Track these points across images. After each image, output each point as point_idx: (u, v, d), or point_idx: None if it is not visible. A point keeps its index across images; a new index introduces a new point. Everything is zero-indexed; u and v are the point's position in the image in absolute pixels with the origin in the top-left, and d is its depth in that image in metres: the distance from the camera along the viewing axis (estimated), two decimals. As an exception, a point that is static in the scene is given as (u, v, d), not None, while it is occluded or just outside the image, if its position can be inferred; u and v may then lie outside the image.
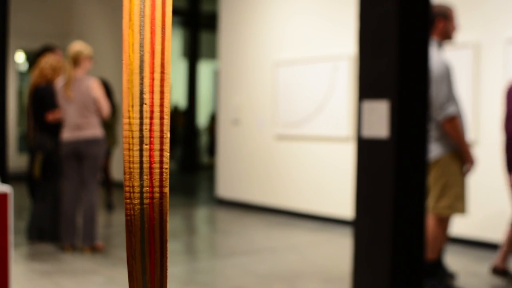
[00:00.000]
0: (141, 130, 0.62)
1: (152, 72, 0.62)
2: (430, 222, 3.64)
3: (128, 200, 0.64)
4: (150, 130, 0.62)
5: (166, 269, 0.68)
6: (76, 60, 4.61)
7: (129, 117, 0.62)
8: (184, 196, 8.38)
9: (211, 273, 4.26)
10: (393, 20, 2.78)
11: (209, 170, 11.67)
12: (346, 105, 6.20)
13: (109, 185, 6.97)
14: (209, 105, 15.66)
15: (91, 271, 4.09)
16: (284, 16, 6.93)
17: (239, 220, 6.54)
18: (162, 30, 0.62)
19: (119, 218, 6.55)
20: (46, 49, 5.24)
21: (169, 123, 0.63)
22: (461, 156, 3.68)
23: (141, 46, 0.62)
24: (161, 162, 0.63)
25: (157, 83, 0.62)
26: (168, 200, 0.65)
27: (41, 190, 5.02)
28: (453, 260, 4.53)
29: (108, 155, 6.72)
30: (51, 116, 4.81)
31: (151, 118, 0.62)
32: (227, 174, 7.64)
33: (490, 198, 5.03)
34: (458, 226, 5.05)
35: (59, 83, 4.71)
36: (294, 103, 6.78)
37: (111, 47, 9.71)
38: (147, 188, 0.63)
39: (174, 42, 15.77)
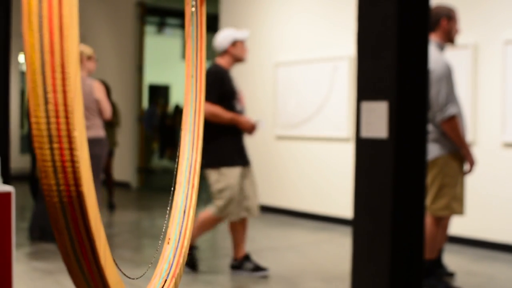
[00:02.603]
0: (48, 129, 0.62)
1: (53, 71, 0.62)
2: (428, 221, 3.66)
3: (48, 198, 0.64)
4: (57, 129, 0.62)
5: (102, 267, 0.68)
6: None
7: (36, 116, 0.62)
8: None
9: (211, 272, 4.29)
10: (392, 21, 2.81)
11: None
12: (346, 106, 6.22)
13: (111, 186, 7.00)
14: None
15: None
16: (284, 18, 6.96)
17: (240, 220, 6.56)
18: (60, 30, 0.62)
19: (120, 218, 6.58)
20: None
21: (76, 122, 0.63)
22: (459, 157, 3.70)
23: (41, 46, 0.62)
24: (73, 161, 0.63)
25: (59, 82, 0.62)
26: (87, 199, 0.64)
27: (43, 190, 5.05)
28: (451, 259, 4.56)
29: (110, 155, 6.75)
30: None
31: (57, 117, 0.62)
32: (227, 174, 7.66)
33: (489, 198, 5.05)
34: (457, 226, 5.08)
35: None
36: (294, 104, 6.80)
37: (113, 49, 9.74)
38: (63, 187, 0.64)
39: (175, 44, 15.82)
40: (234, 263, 4.14)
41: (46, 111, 0.62)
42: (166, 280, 1.10)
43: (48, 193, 0.64)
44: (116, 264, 1.02)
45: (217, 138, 3.96)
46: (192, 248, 4.10)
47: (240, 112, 4.05)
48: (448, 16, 3.72)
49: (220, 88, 3.96)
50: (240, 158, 4.00)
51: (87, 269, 0.69)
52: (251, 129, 4.01)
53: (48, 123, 0.62)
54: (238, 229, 4.07)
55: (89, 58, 4.68)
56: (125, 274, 1.05)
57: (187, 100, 1.29)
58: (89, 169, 0.65)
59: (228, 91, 4.01)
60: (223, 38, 4.09)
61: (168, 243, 1.16)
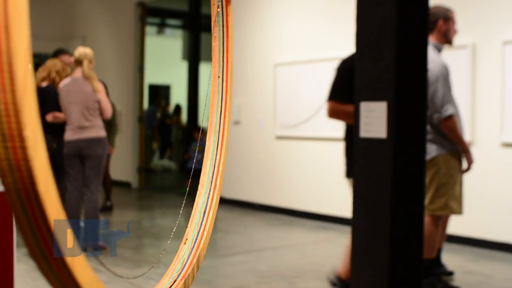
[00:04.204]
0: (1, 128, 0.63)
1: (1, 71, 0.63)
2: (427, 221, 3.67)
3: (9, 197, 0.64)
4: (9, 128, 0.63)
5: (70, 266, 0.68)
6: (79, 62, 4.68)
7: None
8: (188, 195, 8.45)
9: (211, 272, 4.31)
10: (391, 22, 2.82)
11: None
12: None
13: (108, 186, 7.01)
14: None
15: (94, 270, 4.13)
16: (283, 18, 6.98)
17: (239, 219, 6.59)
18: (6, 29, 0.63)
19: (120, 218, 6.60)
20: (58, 52, 5.32)
21: (27, 121, 0.63)
22: (457, 156, 3.72)
23: None
24: (26, 160, 0.63)
25: (7, 82, 0.63)
26: (45, 197, 0.64)
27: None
28: (450, 258, 4.58)
29: (108, 156, 6.75)
30: (50, 117, 4.86)
31: (7, 116, 0.63)
32: (227, 174, 7.68)
33: (487, 197, 5.07)
34: (455, 225, 5.10)
35: (61, 84, 4.76)
36: (294, 104, 6.82)
37: (113, 49, 9.76)
38: (20, 185, 0.64)
39: (175, 44, 15.83)
40: (333, 280, 3.51)
41: None
42: (176, 280, 1.10)
43: (8, 192, 0.64)
44: (102, 263, 1.02)
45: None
46: None
47: None
48: (445, 17, 3.72)
49: (351, 82, 3.24)
50: None
51: (55, 268, 0.68)
52: None
53: (0, 122, 0.63)
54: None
55: (91, 60, 4.73)
56: (115, 274, 1.05)
57: (214, 101, 1.28)
58: (46, 168, 0.65)
59: None
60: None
61: (185, 243, 1.16)
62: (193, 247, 1.15)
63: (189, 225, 1.18)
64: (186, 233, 1.17)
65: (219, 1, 1.25)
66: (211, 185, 1.23)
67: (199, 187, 1.24)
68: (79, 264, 0.70)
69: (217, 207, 1.21)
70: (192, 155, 8.42)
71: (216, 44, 1.27)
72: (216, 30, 1.27)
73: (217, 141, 1.27)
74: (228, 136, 1.28)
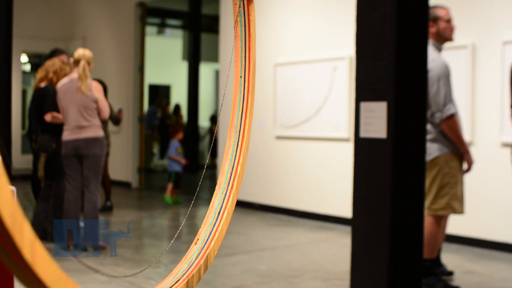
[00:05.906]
0: None
1: None
2: (427, 221, 3.68)
3: None
4: None
5: (30, 263, 0.67)
6: (77, 63, 4.68)
7: None
8: (187, 195, 8.43)
9: (211, 272, 4.31)
10: (391, 22, 2.83)
11: (210, 170, 11.73)
12: (346, 106, 6.25)
13: (108, 186, 7.01)
14: (210, 107, 15.74)
15: (94, 270, 4.14)
16: (283, 18, 6.98)
17: (239, 219, 6.58)
18: None
19: (120, 218, 6.60)
20: (55, 52, 5.32)
21: None
22: (458, 156, 3.72)
23: None
24: None
25: None
26: (3, 199, 0.63)
27: (44, 190, 5.07)
28: (450, 258, 4.58)
29: (106, 155, 6.75)
30: (49, 117, 4.86)
31: None
32: (228, 174, 7.68)
33: (487, 197, 5.08)
34: (455, 225, 5.10)
35: (59, 84, 4.75)
36: (294, 104, 6.83)
37: (113, 49, 9.77)
38: None
39: (176, 44, 15.85)
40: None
41: None
42: (178, 280, 1.08)
43: None
44: (82, 262, 1.02)
45: None
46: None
47: None
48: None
49: None
50: None
51: (18, 265, 0.67)
52: None
53: None
54: None
55: (91, 61, 4.74)
56: (99, 272, 1.05)
57: (235, 101, 1.27)
58: None
59: None
60: None
61: (196, 243, 1.14)
62: (203, 247, 1.14)
63: (202, 225, 1.17)
64: (198, 233, 1.16)
65: (240, 0, 1.23)
66: (228, 186, 1.22)
67: (216, 187, 1.23)
68: (41, 261, 0.68)
69: (233, 209, 1.19)
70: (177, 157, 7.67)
71: (238, 44, 1.25)
72: (237, 30, 1.25)
73: (237, 142, 1.26)
74: (249, 137, 1.26)
